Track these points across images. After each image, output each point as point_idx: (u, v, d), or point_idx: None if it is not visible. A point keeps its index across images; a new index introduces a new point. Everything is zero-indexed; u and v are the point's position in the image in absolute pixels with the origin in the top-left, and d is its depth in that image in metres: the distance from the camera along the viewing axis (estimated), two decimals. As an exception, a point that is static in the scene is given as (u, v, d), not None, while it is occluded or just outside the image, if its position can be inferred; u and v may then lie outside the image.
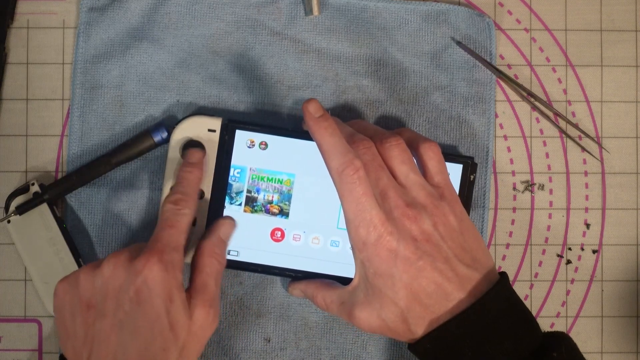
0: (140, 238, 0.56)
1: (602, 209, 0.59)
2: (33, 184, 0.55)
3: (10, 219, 0.54)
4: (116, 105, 0.57)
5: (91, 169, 0.55)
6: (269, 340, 0.57)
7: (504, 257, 0.58)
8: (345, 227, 0.47)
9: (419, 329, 0.45)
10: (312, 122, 0.47)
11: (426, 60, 0.57)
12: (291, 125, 0.54)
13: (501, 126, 0.58)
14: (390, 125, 0.57)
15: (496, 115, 0.58)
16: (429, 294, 0.44)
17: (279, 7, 0.57)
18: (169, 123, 0.56)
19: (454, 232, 0.46)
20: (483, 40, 0.57)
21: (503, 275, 0.47)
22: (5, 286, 0.57)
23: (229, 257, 0.53)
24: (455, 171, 0.53)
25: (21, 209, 0.54)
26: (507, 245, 0.58)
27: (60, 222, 0.55)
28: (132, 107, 0.57)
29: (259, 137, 0.53)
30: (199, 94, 0.57)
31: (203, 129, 0.53)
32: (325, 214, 0.52)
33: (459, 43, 0.57)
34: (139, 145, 0.55)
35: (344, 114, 0.57)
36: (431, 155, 0.48)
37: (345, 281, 0.51)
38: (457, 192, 0.53)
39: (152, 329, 0.43)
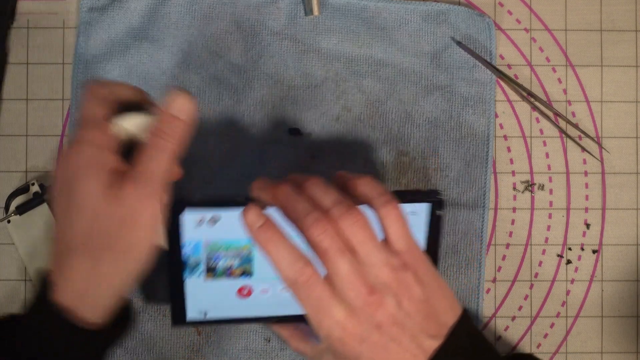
0: (140, 238, 0.56)
1: (602, 209, 0.59)
2: (33, 184, 0.55)
3: (11, 218, 0.54)
4: (116, 105, 0.57)
5: (91, 169, 0.55)
6: (269, 340, 0.57)
7: (504, 257, 0.58)
8: None
9: None
10: (254, 234, 0.45)
11: (426, 60, 0.57)
12: (242, 194, 0.50)
13: (501, 126, 0.58)
14: (390, 126, 0.57)
15: (496, 115, 0.58)
16: None
17: (279, 7, 0.57)
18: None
19: (420, 303, 0.45)
20: (483, 40, 0.57)
21: (462, 316, 0.46)
22: (5, 285, 0.57)
23: (196, 318, 0.52)
24: (422, 209, 0.51)
25: (21, 209, 0.54)
26: (507, 245, 0.58)
27: (60, 222, 0.55)
28: (132, 107, 0.57)
29: (207, 214, 0.49)
30: (199, 94, 0.57)
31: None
32: None
33: (459, 43, 0.57)
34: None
35: (344, 114, 0.57)
36: (392, 220, 0.45)
37: None
38: (426, 229, 0.51)
39: (77, 215, 0.42)
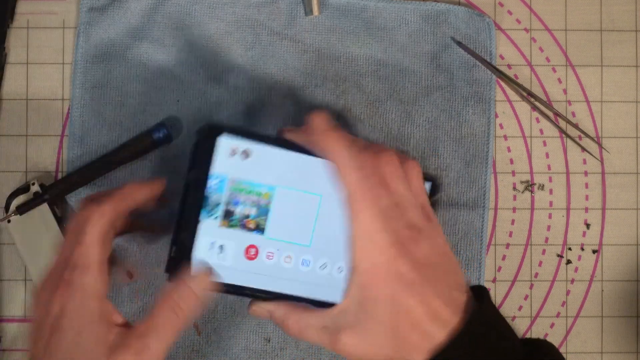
0: (140, 238, 0.56)
1: (602, 209, 0.59)
2: (33, 184, 0.55)
3: (11, 218, 0.54)
4: (116, 105, 0.57)
5: (91, 169, 0.55)
6: (269, 340, 0.57)
7: (504, 257, 0.58)
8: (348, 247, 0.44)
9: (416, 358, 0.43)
10: (323, 135, 0.45)
11: (426, 60, 0.57)
12: (275, 133, 0.50)
13: (501, 126, 0.58)
14: (390, 126, 0.57)
15: (496, 115, 0.58)
16: (431, 318, 0.42)
17: (279, 7, 0.57)
18: (169, 123, 0.56)
19: (445, 255, 0.44)
20: (483, 40, 0.57)
21: (483, 291, 0.46)
22: (5, 286, 0.57)
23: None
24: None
25: (22, 209, 0.54)
26: (507, 245, 0.58)
27: (60, 222, 0.55)
28: (132, 107, 0.57)
29: (241, 145, 0.48)
30: (199, 94, 0.57)
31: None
32: (299, 231, 0.48)
33: (459, 43, 0.57)
34: (140, 146, 0.55)
35: (344, 114, 0.57)
36: (415, 174, 0.46)
37: (315, 304, 0.49)
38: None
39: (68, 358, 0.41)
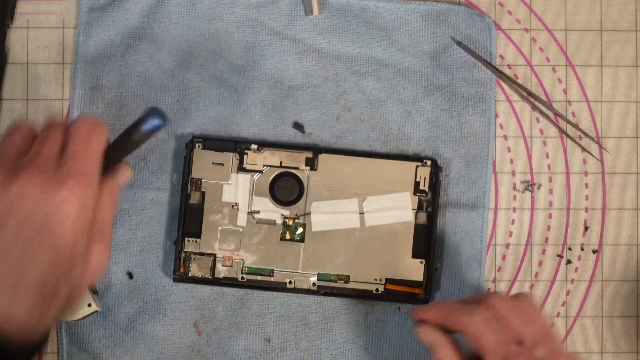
0: (140, 238, 0.56)
1: (602, 209, 0.59)
2: (33, 184, 0.55)
3: (10, 219, 0.54)
4: (116, 105, 0.57)
5: (91, 169, 0.55)
6: (269, 340, 0.57)
7: (504, 257, 0.58)
8: None
9: None
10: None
11: (426, 60, 0.57)
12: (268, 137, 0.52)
13: (501, 126, 0.58)
14: (390, 126, 0.57)
15: (496, 115, 0.58)
16: None
17: (279, 7, 0.57)
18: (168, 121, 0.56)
19: None
20: (483, 40, 0.57)
21: None
22: (5, 286, 0.56)
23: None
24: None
25: (21, 209, 0.54)
26: (507, 245, 0.58)
27: (60, 222, 0.55)
28: (132, 107, 0.57)
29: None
30: (199, 94, 0.57)
31: None
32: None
33: (459, 43, 0.57)
34: (134, 137, 0.54)
35: (344, 114, 0.57)
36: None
37: None
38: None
39: (52, 261, 0.40)
